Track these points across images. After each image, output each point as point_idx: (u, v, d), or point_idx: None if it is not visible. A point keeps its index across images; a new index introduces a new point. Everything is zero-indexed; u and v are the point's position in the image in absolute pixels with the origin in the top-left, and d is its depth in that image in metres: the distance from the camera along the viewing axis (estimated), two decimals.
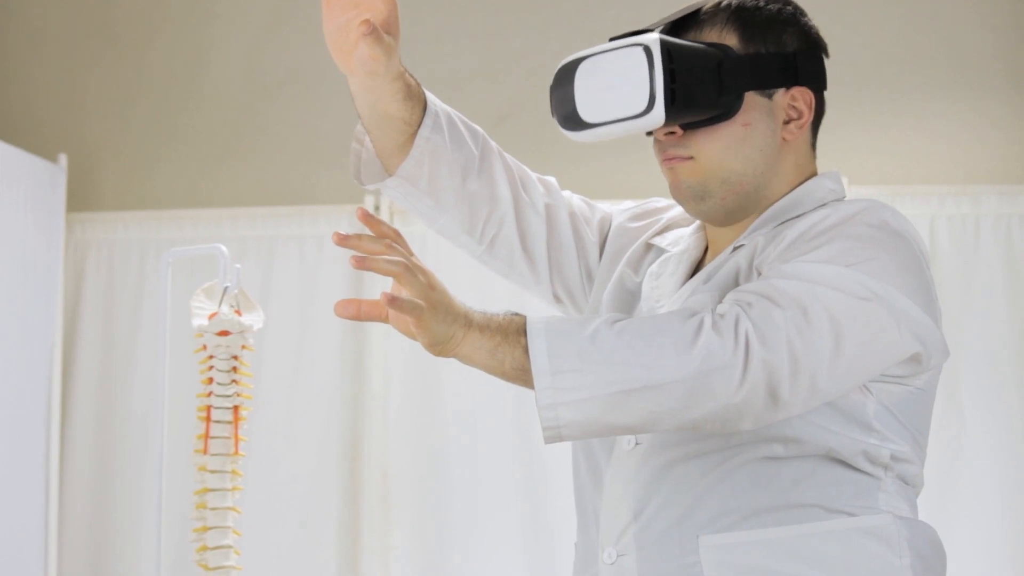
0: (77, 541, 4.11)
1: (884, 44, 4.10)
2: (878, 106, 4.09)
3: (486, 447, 3.97)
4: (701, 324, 1.53)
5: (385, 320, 1.55)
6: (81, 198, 4.30)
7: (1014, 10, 4.06)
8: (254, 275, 4.09)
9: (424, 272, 1.53)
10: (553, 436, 1.53)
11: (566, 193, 1.96)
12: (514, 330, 1.54)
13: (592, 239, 1.93)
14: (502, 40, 4.21)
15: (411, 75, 1.78)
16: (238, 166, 4.29)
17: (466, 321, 1.54)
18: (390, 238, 1.55)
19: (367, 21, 1.63)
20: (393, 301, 1.48)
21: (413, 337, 1.54)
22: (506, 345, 1.54)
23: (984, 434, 3.84)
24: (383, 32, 1.66)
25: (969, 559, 3.79)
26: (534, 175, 1.93)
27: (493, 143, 1.90)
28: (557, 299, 1.95)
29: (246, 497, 3.98)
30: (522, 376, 1.55)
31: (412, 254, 1.56)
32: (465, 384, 3.95)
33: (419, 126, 1.79)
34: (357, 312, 1.54)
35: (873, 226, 1.65)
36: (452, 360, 4.42)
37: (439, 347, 1.54)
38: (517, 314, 1.58)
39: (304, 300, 4.09)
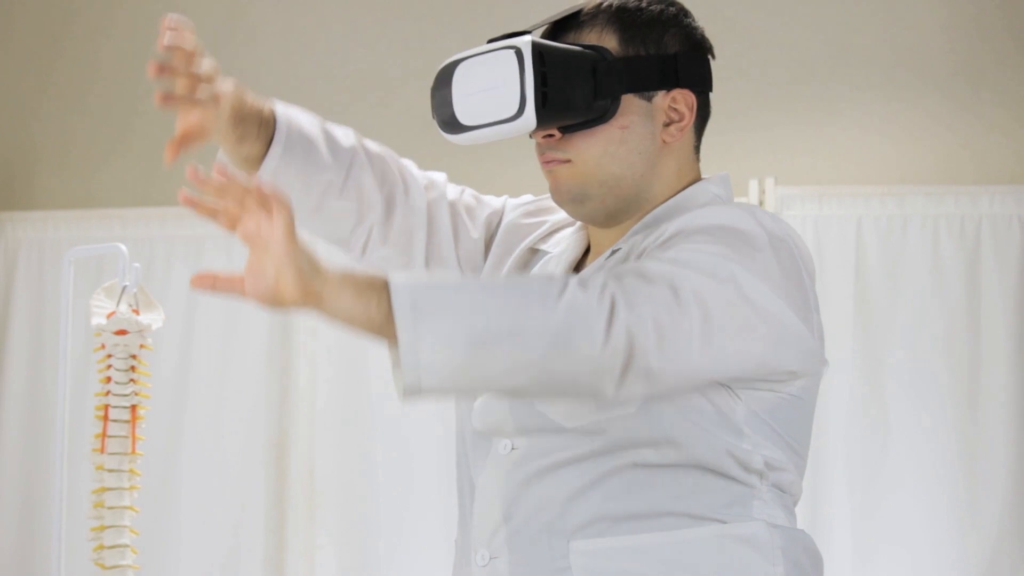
0: (4, 540, 4.09)
1: (815, 43, 4.11)
2: (807, 105, 4.09)
3: (413, 447, 3.97)
4: (567, 283, 1.50)
5: (242, 294, 1.50)
6: (13, 197, 4.28)
7: (948, 11, 4.07)
8: (182, 274, 4.08)
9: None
10: (413, 384, 1.49)
11: (456, 188, 1.93)
12: (376, 288, 1.46)
13: (475, 236, 1.91)
14: (433, 42, 4.21)
15: (262, 104, 1.75)
16: (173, 165, 4.27)
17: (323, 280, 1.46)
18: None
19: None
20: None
21: (268, 304, 1.49)
22: (369, 296, 1.46)
23: (911, 438, 3.84)
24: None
25: (895, 562, 3.81)
26: (420, 174, 1.91)
27: (370, 148, 1.87)
28: None
29: (172, 497, 4.02)
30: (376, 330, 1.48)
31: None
32: (392, 384, 3.93)
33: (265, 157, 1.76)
34: (213, 285, 1.51)
35: (752, 230, 1.64)
36: (379, 360, 4.32)
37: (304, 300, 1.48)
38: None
39: (230, 299, 4.07)
